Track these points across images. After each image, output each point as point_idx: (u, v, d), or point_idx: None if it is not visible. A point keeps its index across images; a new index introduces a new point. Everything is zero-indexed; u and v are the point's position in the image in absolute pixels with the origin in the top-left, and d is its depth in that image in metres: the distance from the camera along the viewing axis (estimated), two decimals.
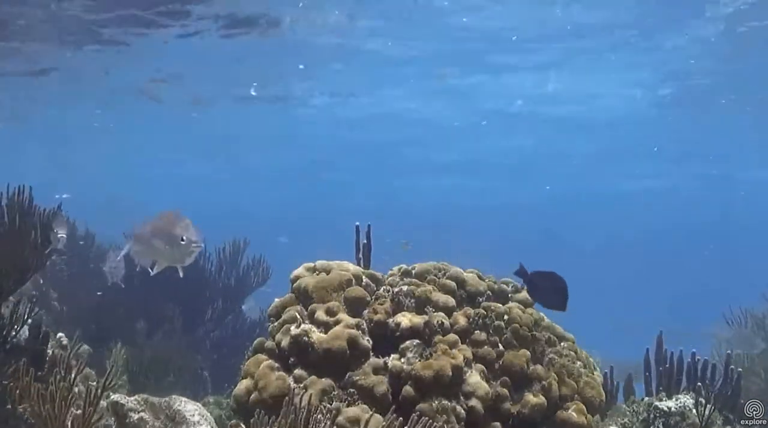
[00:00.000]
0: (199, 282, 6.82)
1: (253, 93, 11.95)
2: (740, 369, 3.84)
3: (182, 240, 2.83)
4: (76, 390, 2.16)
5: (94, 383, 3.75)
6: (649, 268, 25.18)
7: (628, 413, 3.64)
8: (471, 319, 3.11)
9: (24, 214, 3.52)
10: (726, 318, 6.23)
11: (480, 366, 2.99)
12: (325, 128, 15.21)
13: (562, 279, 3.13)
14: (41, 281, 6.30)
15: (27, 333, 3.63)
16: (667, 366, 3.88)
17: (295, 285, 3.28)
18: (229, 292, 6.78)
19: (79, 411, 2.11)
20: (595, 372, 3.32)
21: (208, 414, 3.16)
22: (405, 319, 3.00)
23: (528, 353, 3.09)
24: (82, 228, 7.25)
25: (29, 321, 3.60)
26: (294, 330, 3.00)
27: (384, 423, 2.26)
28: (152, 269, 5.65)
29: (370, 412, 2.69)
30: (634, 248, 27.13)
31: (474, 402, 2.87)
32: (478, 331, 3.09)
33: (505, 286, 3.38)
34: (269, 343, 3.11)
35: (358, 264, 3.54)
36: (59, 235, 5.18)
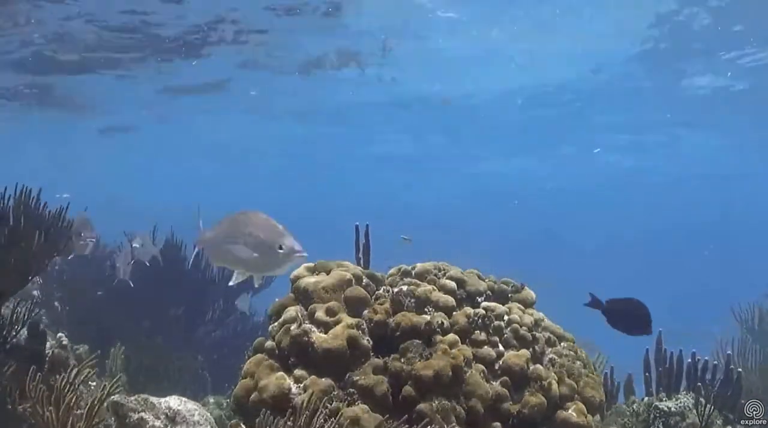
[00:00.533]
0: (201, 282, 6.84)
1: (253, 93, 11.98)
2: (740, 370, 3.84)
3: (280, 248, 2.41)
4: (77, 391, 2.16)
5: (94, 383, 3.76)
6: (649, 268, 25.18)
7: (628, 413, 3.65)
8: (471, 319, 3.11)
9: (30, 216, 3.52)
10: (734, 312, 6.21)
11: (480, 366, 2.99)
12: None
13: (643, 305, 3.11)
14: (41, 281, 6.30)
15: (26, 333, 3.64)
16: (667, 366, 3.88)
17: (295, 285, 3.28)
18: (230, 293, 6.79)
19: (81, 412, 2.12)
20: (594, 372, 3.32)
21: (208, 414, 3.16)
22: (405, 319, 3.00)
23: (528, 353, 3.09)
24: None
25: (29, 321, 3.61)
26: (294, 330, 3.00)
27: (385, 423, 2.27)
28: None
29: (370, 412, 2.69)
30: (634, 248, 27.12)
31: (474, 402, 2.87)
32: (478, 331, 3.09)
33: (505, 286, 3.38)
34: (269, 343, 3.11)
35: (358, 264, 3.54)
36: (89, 239, 4.77)
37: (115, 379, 2.39)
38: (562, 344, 3.30)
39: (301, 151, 17.99)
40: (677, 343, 3.94)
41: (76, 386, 2.15)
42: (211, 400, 4.85)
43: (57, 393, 2.07)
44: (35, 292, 6.18)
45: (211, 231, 2.59)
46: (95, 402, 2.09)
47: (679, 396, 3.71)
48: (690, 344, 3.92)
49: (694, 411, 3.58)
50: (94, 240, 4.89)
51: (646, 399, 3.79)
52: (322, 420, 2.15)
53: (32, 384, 2.10)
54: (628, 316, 3.20)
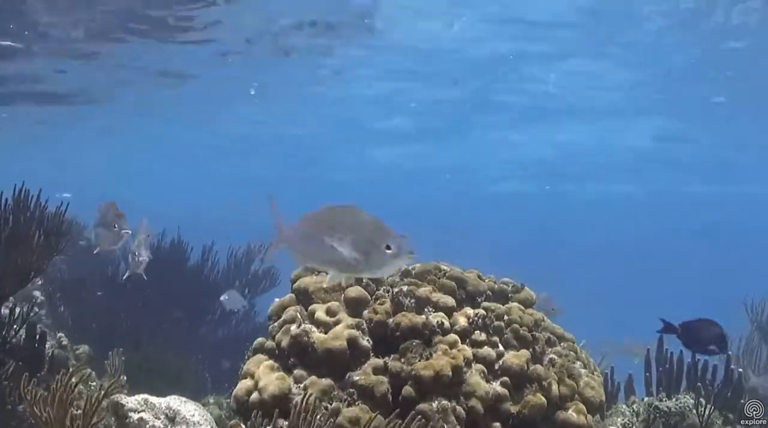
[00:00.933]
0: (202, 282, 6.86)
1: (252, 92, 11.97)
2: (740, 370, 3.84)
3: (388, 248, 2.10)
4: (76, 391, 2.16)
5: (94, 383, 3.76)
6: (650, 268, 25.21)
7: (628, 413, 3.65)
8: (471, 319, 3.11)
9: (29, 216, 3.53)
10: (747, 307, 6.16)
11: (480, 367, 2.99)
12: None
13: (718, 324, 3.14)
14: (40, 281, 6.30)
15: (25, 333, 3.64)
16: (668, 366, 3.88)
17: (295, 285, 3.28)
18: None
19: (79, 411, 2.12)
20: (595, 373, 3.32)
21: (208, 414, 3.16)
22: (405, 319, 3.00)
23: (528, 353, 3.09)
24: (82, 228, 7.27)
25: (28, 321, 3.61)
26: (294, 330, 3.00)
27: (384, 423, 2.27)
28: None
29: (370, 412, 2.69)
30: (636, 247, 27.13)
31: (474, 403, 2.86)
32: (478, 331, 3.09)
33: (505, 286, 3.38)
34: (269, 343, 3.11)
35: None
36: (123, 231, 4.12)
37: (114, 379, 2.38)
38: (562, 344, 3.30)
39: (295, 151, 17.96)
40: (678, 343, 3.93)
41: (74, 386, 2.14)
42: (211, 400, 4.85)
43: (54, 394, 2.07)
44: (36, 292, 6.18)
45: (293, 228, 2.29)
46: (93, 402, 2.09)
47: (680, 396, 3.71)
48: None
49: (695, 411, 3.58)
50: (129, 232, 4.24)
51: (646, 399, 3.79)
52: (320, 420, 2.15)
53: (30, 384, 2.11)
54: (704, 337, 3.24)
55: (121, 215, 4.03)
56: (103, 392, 2.16)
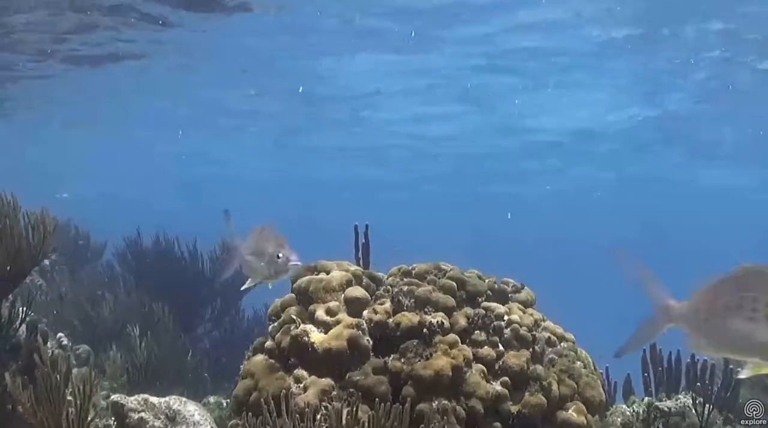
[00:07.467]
0: (196, 282, 6.84)
1: (252, 93, 11.96)
2: (739, 368, 3.83)
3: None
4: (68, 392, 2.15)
5: (96, 382, 3.75)
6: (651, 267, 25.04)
7: (628, 413, 3.65)
8: (471, 319, 3.11)
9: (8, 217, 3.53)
10: None
11: (480, 367, 2.99)
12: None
13: None
14: (41, 282, 6.30)
15: (25, 333, 3.64)
16: (666, 366, 3.88)
17: (295, 285, 3.28)
18: (227, 292, 6.79)
19: (72, 410, 2.11)
20: (595, 372, 3.32)
21: (208, 414, 3.16)
22: (405, 319, 3.00)
23: (528, 353, 3.09)
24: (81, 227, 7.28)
25: (28, 321, 3.61)
26: (294, 330, 3.00)
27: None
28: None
29: (370, 412, 2.69)
30: (636, 247, 27.02)
31: (474, 402, 2.86)
32: (478, 331, 3.09)
33: (505, 286, 3.38)
34: (269, 343, 3.11)
35: (358, 265, 3.54)
36: (292, 263, 2.78)
37: (93, 374, 2.36)
38: (562, 344, 3.30)
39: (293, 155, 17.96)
40: (678, 343, 3.93)
41: (71, 386, 2.14)
42: (211, 400, 4.85)
43: (50, 394, 2.07)
44: (34, 292, 6.17)
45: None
46: (83, 398, 2.09)
47: (679, 396, 3.71)
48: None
49: (695, 411, 3.58)
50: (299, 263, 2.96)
51: (646, 399, 3.79)
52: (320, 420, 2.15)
53: (27, 385, 2.11)
54: None
55: (284, 243, 2.91)
56: (90, 387, 2.15)
